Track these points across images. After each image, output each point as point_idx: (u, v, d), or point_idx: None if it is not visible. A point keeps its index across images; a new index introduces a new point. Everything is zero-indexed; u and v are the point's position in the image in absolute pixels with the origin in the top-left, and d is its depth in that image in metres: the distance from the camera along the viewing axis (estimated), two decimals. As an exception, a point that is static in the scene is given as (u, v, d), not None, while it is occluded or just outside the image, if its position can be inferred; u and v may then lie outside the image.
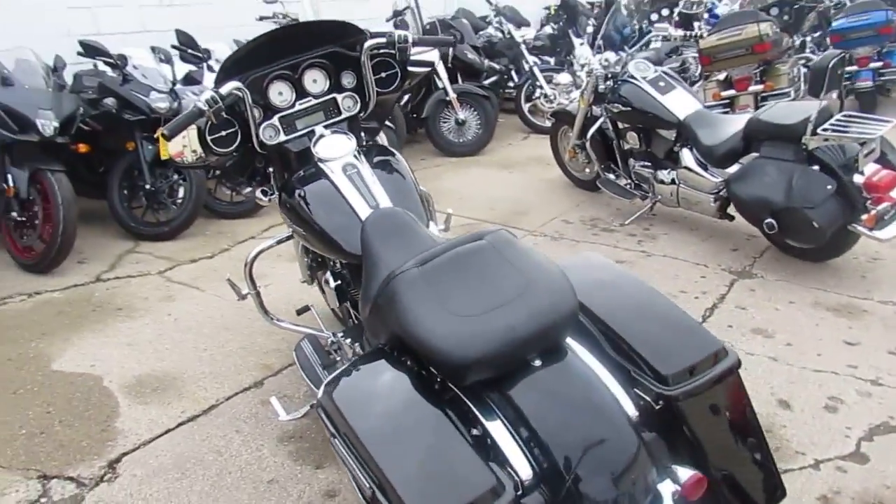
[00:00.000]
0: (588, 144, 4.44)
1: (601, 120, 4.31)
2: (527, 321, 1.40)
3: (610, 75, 4.12)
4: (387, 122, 4.93)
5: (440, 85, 5.83)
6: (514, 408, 1.36)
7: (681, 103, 3.88)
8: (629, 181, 4.28)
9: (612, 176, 4.42)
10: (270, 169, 2.36)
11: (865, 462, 2.13)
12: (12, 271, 3.71)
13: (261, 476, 2.14)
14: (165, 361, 2.81)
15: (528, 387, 1.38)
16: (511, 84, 7.01)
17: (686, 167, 3.80)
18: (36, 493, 2.11)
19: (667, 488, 1.29)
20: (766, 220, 3.28)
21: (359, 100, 2.27)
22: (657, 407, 1.40)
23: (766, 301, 3.16)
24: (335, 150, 2.13)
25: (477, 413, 1.40)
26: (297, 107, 2.18)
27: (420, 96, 6.04)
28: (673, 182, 3.91)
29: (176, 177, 4.05)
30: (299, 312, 2.63)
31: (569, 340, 1.52)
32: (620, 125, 4.24)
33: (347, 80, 2.26)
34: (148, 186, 4.01)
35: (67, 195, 3.50)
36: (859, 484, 2.04)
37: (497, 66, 6.75)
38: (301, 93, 2.19)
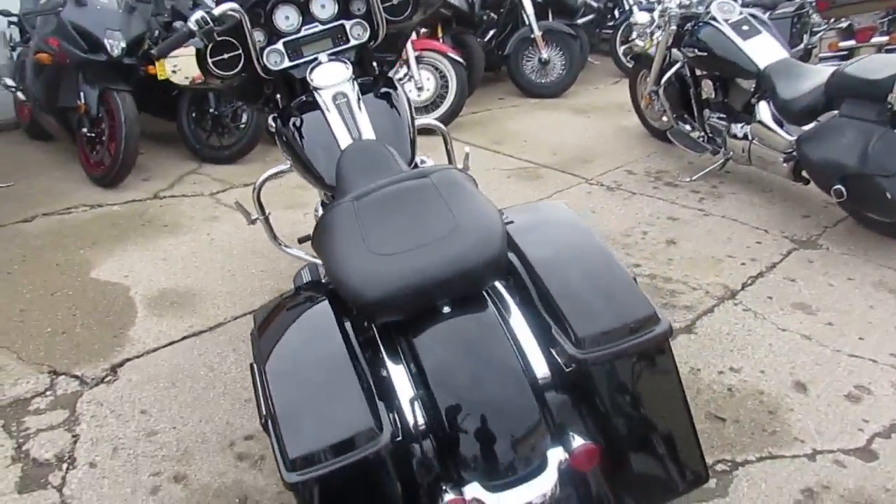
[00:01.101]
0: (662, 91, 4.13)
1: (678, 65, 3.99)
2: (439, 265, 1.32)
3: (689, 16, 3.78)
4: (457, 58, 4.83)
5: (526, 21, 5.59)
6: (415, 353, 1.31)
7: (764, 50, 3.50)
8: (702, 134, 3.96)
9: (687, 128, 4.10)
10: (278, 96, 2.36)
11: (872, 459, 1.91)
12: (84, 184, 3.98)
13: (241, 394, 2.21)
14: (191, 278, 2.94)
15: (433, 334, 1.32)
16: (610, 24, 6.62)
17: (760, 122, 3.45)
18: (43, 386, 2.29)
19: (556, 455, 1.20)
20: (836, 186, 2.94)
21: (368, 28, 2.19)
22: (567, 370, 1.30)
23: (821, 275, 2.86)
24: (329, 77, 2.08)
25: (384, 355, 1.36)
26: (304, 32, 2.13)
27: (505, 32, 5.83)
28: (746, 137, 3.57)
29: (240, 102, 4.14)
30: (301, 241, 2.65)
31: (501, 290, 1.43)
32: (698, 72, 3.91)
33: (357, 6, 2.19)
34: (212, 110, 4.14)
35: (130, 115, 3.68)
36: (855, 482, 1.83)
37: (595, 4, 6.37)
38: (308, 18, 2.15)
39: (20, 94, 4.31)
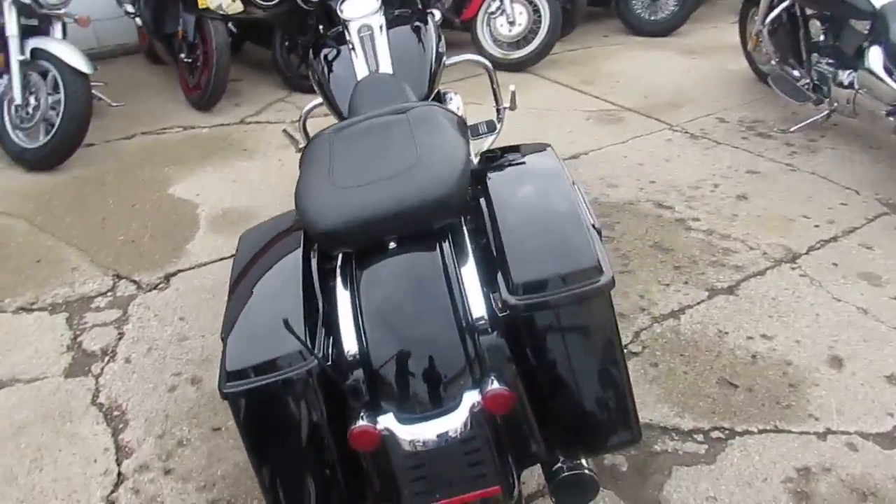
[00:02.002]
0: (767, 32, 3.77)
1: (787, 2, 3.61)
2: (387, 201, 1.34)
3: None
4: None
5: (638, -47, 5.24)
6: (358, 285, 1.35)
7: (882, -13, 3.10)
8: (808, 81, 3.59)
9: (796, 73, 3.73)
10: (321, 28, 2.40)
11: (892, 447, 1.75)
12: (183, 106, 4.26)
13: (269, 312, 2.36)
14: (254, 201, 3.12)
15: (376, 268, 1.35)
16: (740, -44, 6.04)
17: (869, 69, 3.09)
18: (106, 287, 2.56)
19: (471, 397, 1.21)
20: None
21: None
22: (500, 315, 1.29)
23: (905, 244, 2.58)
24: (357, 9, 2.10)
25: (338, 285, 1.41)
26: None
27: (615, -36, 5.50)
28: (851, 86, 3.21)
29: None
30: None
31: (463, 231, 1.43)
32: (807, 11, 3.52)
33: None
34: (303, 40, 4.26)
35: (222, 42, 3.86)
36: (863, 467, 1.70)
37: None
38: None
39: (138, 20, 4.63)
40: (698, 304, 2.33)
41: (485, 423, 1.21)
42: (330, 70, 2.06)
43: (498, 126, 2.65)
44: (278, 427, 1.27)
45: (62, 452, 1.85)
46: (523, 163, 1.57)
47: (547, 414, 1.29)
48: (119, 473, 1.78)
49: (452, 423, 1.18)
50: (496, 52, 4.75)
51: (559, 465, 1.32)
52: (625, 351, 1.60)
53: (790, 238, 2.66)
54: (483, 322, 1.29)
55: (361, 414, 1.22)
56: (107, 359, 2.19)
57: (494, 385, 1.19)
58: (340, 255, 1.43)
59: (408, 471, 1.21)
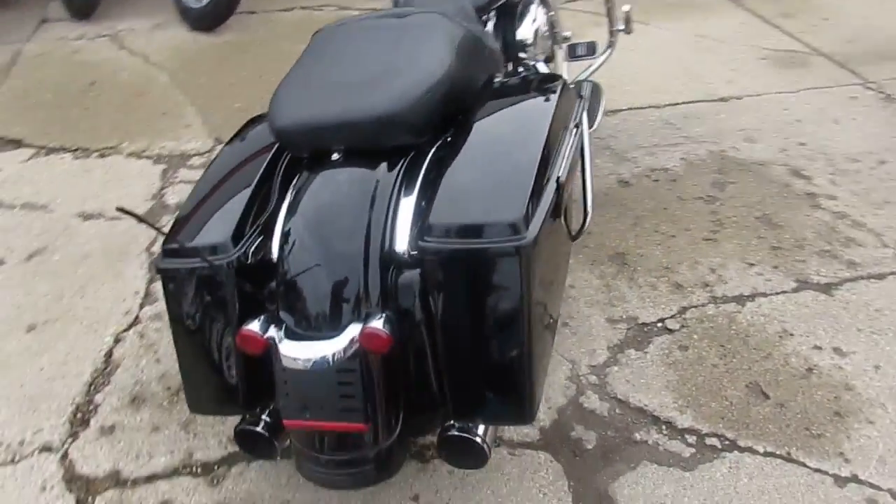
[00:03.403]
0: None
1: None
2: (335, 109, 1.27)
3: None
4: None
5: None
6: (297, 192, 1.31)
7: None
8: None
9: None
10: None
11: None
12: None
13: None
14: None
15: (318, 177, 1.29)
16: None
17: None
18: (205, 148, 2.74)
19: (354, 330, 1.14)
20: None
21: None
22: (407, 256, 1.18)
23: None
24: None
25: (288, 187, 1.37)
26: None
27: None
28: None
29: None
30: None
31: (424, 156, 1.32)
32: None
33: None
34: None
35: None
36: None
37: None
38: None
39: None
40: (777, 294, 1.98)
41: (363, 359, 1.14)
42: None
43: (606, 51, 2.37)
44: (195, 311, 1.30)
45: (104, 286, 2.07)
46: (519, 96, 1.39)
47: (440, 370, 1.19)
48: (136, 317, 1.95)
49: (328, 350, 1.13)
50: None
51: (452, 422, 1.23)
52: (557, 324, 1.41)
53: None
54: (398, 258, 1.20)
55: (257, 318, 1.20)
56: (173, 214, 2.38)
57: (373, 324, 1.12)
58: (303, 159, 1.38)
59: (283, 384, 1.19)
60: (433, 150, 1.33)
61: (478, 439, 1.21)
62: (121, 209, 0.99)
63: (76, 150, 2.78)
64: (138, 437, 1.60)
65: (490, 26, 1.89)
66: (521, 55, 1.94)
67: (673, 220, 2.28)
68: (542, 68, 2.13)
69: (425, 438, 1.54)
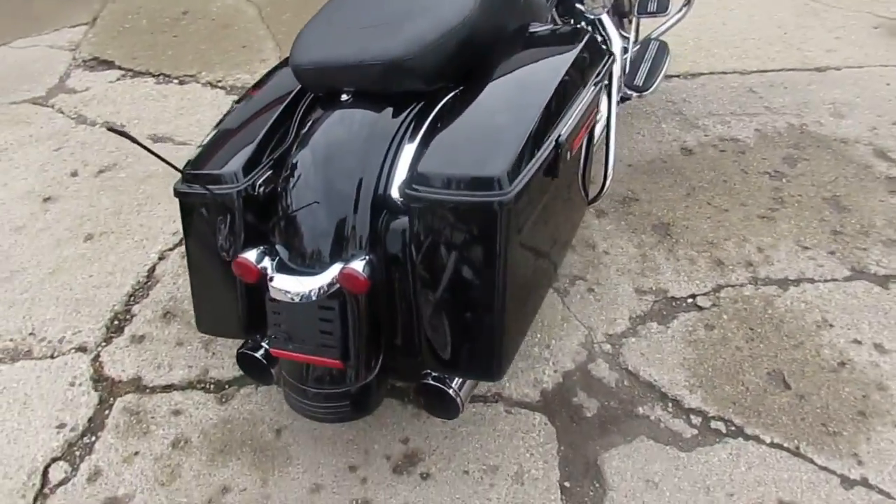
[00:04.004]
0: None
1: None
2: (348, 51, 1.28)
3: None
4: None
5: None
6: (309, 129, 1.33)
7: None
8: None
9: None
10: None
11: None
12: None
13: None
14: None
15: (329, 116, 1.31)
16: None
17: None
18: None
19: (336, 268, 1.17)
20: None
21: None
22: (399, 202, 1.19)
23: None
24: None
25: (303, 123, 1.40)
26: None
27: None
28: None
29: None
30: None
31: (436, 101, 1.31)
32: None
33: None
34: None
35: None
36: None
37: None
38: None
39: None
40: (826, 281, 1.85)
41: (343, 298, 1.17)
42: None
43: (682, 9, 2.23)
44: (205, 235, 1.37)
45: (160, 206, 2.20)
46: (540, 49, 1.34)
47: (417, 317, 1.20)
48: (182, 238, 2.07)
49: (311, 285, 1.16)
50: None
51: (429, 370, 1.25)
52: (548, 286, 1.36)
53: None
54: (392, 203, 1.21)
55: (256, 248, 1.25)
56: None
57: (353, 265, 1.14)
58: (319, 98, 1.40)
59: (272, 314, 1.24)
60: (445, 99, 1.31)
61: (451, 391, 1.23)
62: (111, 128, 1.04)
63: (159, 75, 2.92)
64: (163, 349, 1.72)
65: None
66: (579, 6, 1.86)
67: (730, 194, 2.16)
68: (606, 22, 2.04)
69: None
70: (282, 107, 1.40)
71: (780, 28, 3.09)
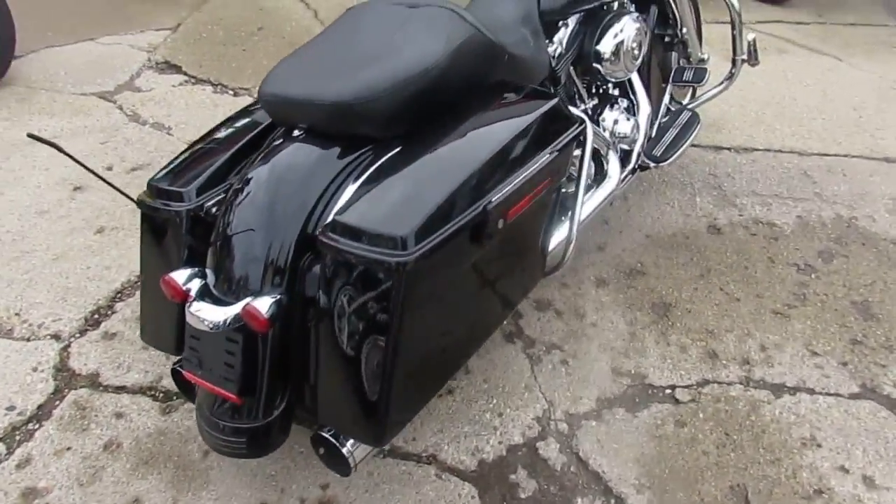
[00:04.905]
0: None
1: None
2: (303, 88, 1.27)
3: None
4: None
5: None
6: (261, 159, 1.33)
7: None
8: None
9: None
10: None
11: None
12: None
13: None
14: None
15: (281, 149, 1.30)
16: None
17: None
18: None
19: (241, 304, 1.15)
20: None
21: None
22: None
23: None
24: None
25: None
26: None
27: None
28: None
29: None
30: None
31: (391, 148, 1.28)
32: None
33: None
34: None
35: None
36: None
37: None
38: None
39: None
40: (827, 395, 1.68)
41: (250, 333, 1.15)
42: None
43: (723, 82, 2.14)
44: (155, 248, 1.39)
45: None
46: (499, 111, 1.29)
47: (316, 366, 1.16)
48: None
49: (220, 316, 1.15)
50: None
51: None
52: (464, 357, 1.28)
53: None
54: (317, 245, 1.19)
55: (191, 268, 1.25)
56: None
57: (255, 303, 1.12)
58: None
59: (188, 336, 1.24)
60: (396, 147, 1.28)
61: (344, 448, 1.18)
62: (31, 135, 1.07)
63: (217, 84, 3.04)
64: (128, 350, 1.75)
65: (563, 33, 1.76)
66: (597, 67, 1.79)
67: (747, 282, 2.01)
68: (636, 85, 1.96)
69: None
70: (251, 135, 1.41)
71: (855, 110, 2.88)
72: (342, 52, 1.33)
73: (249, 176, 1.26)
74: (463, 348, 1.29)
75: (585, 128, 1.42)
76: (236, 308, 1.14)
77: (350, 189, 1.22)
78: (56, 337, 1.78)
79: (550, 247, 1.44)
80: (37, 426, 1.57)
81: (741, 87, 3.05)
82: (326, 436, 1.18)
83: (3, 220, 2.18)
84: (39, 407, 1.61)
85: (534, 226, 1.34)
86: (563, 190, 1.77)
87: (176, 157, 1.43)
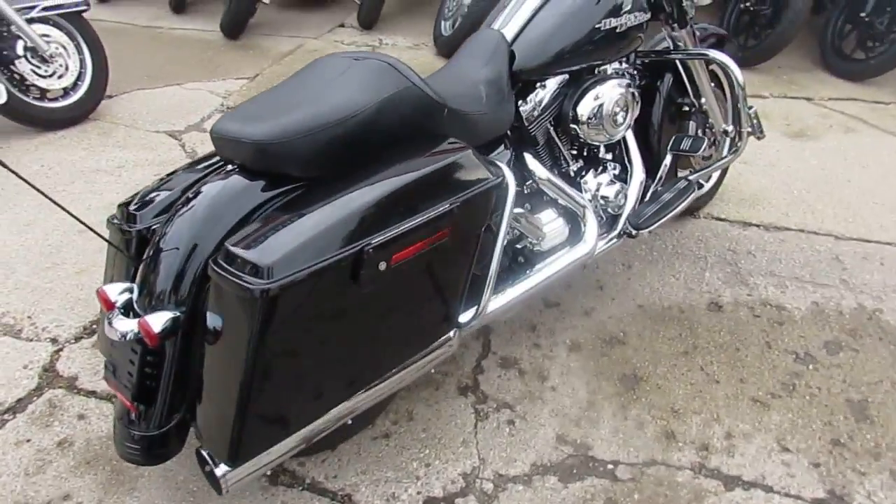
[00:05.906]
0: None
1: None
2: (238, 127, 1.37)
3: None
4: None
5: None
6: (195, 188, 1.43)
7: None
8: None
9: None
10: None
11: None
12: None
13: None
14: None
15: (209, 179, 1.40)
16: None
17: None
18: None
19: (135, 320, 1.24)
20: None
21: None
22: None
23: None
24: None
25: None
26: None
27: None
28: None
29: None
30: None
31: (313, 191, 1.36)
32: None
33: None
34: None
35: None
36: None
37: None
38: None
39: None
40: (786, 496, 1.54)
41: (145, 346, 1.24)
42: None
43: (727, 156, 2.07)
44: (113, 262, 1.53)
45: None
46: (411, 162, 1.32)
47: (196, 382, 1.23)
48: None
49: (125, 327, 1.25)
50: None
51: (207, 439, 1.26)
52: (342, 394, 1.26)
53: None
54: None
55: (124, 283, 1.38)
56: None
57: (150, 317, 1.21)
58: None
59: (108, 345, 1.34)
60: (306, 186, 1.34)
61: (218, 469, 1.22)
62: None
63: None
64: (110, 360, 1.89)
65: (541, 94, 1.79)
66: (574, 129, 1.80)
67: (733, 365, 1.89)
68: (631, 146, 1.95)
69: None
70: (210, 169, 1.53)
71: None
72: (284, 97, 1.43)
73: (181, 202, 1.37)
74: (343, 387, 1.31)
75: (503, 182, 1.43)
76: (136, 321, 1.23)
77: (266, 220, 1.30)
78: (54, 340, 1.96)
79: (464, 302, 1.45)
80: (11, 417, 1.73)
81: (791, 164, 2.91)
82: (204, 454, 1.23)
83: (49, 235, 2.43)
84: (18, 400, 1.77)
85: (440, 275, 1.35)
86: (521, 245, 1.77)
87: (150, 185, 1.57)
